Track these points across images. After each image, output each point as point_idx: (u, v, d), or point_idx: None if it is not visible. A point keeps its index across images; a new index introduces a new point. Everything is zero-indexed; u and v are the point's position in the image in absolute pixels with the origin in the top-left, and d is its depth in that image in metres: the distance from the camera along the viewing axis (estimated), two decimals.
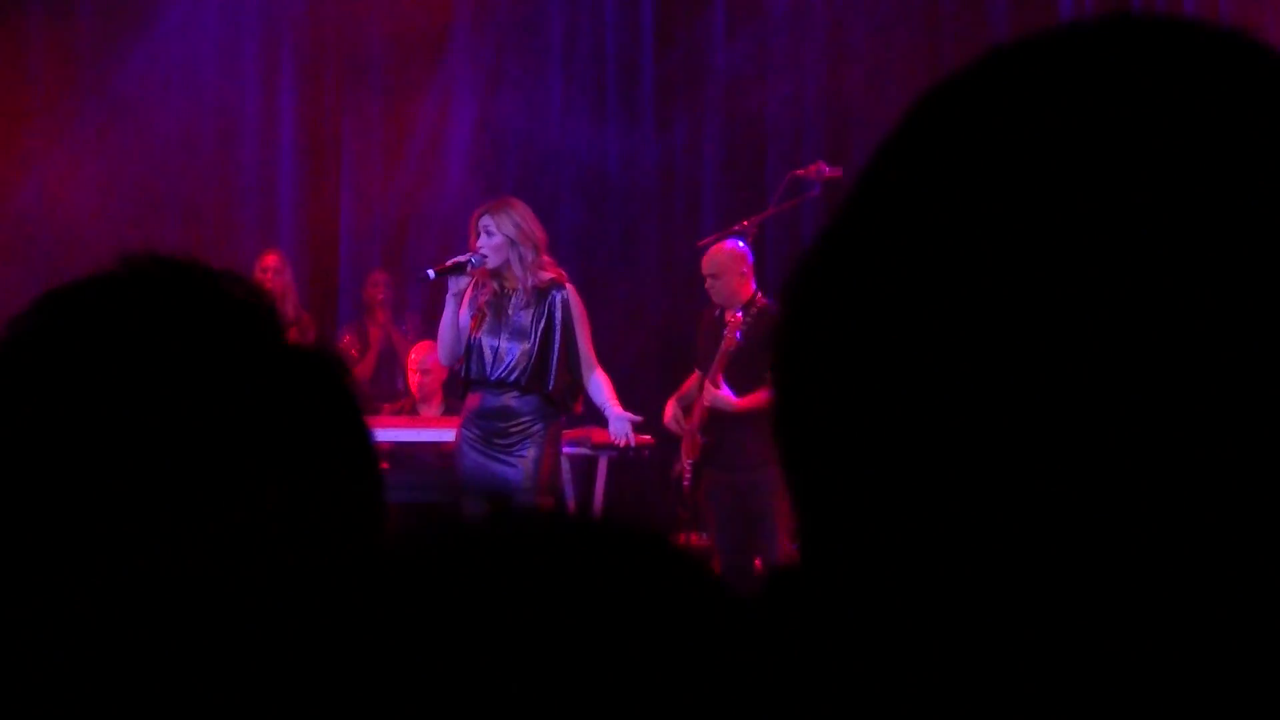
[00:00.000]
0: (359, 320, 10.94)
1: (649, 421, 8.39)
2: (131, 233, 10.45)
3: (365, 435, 1.16)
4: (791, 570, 0.76)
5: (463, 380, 7.73)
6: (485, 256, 7.50)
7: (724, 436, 7.99)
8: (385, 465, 7.18)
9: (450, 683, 0.60)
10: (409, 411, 9.84)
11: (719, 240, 8.39)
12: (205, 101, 11.49)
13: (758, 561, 8.03)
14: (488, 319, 7.58)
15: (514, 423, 7.55)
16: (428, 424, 9.26)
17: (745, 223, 8.70)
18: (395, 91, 11.56)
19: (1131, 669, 0.70)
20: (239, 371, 1.11)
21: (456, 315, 7.63)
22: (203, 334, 1.11)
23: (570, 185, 11.29)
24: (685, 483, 8.29)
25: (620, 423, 7.83)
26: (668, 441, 8.56)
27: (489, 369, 7.57)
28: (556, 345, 7.57)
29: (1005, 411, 0.70)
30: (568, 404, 7.70)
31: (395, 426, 9.10)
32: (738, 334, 7.91)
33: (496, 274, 7.54)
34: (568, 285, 7.63)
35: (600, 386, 7.71)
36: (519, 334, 7.56)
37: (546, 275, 7.57)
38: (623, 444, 7.89)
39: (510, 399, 7.56)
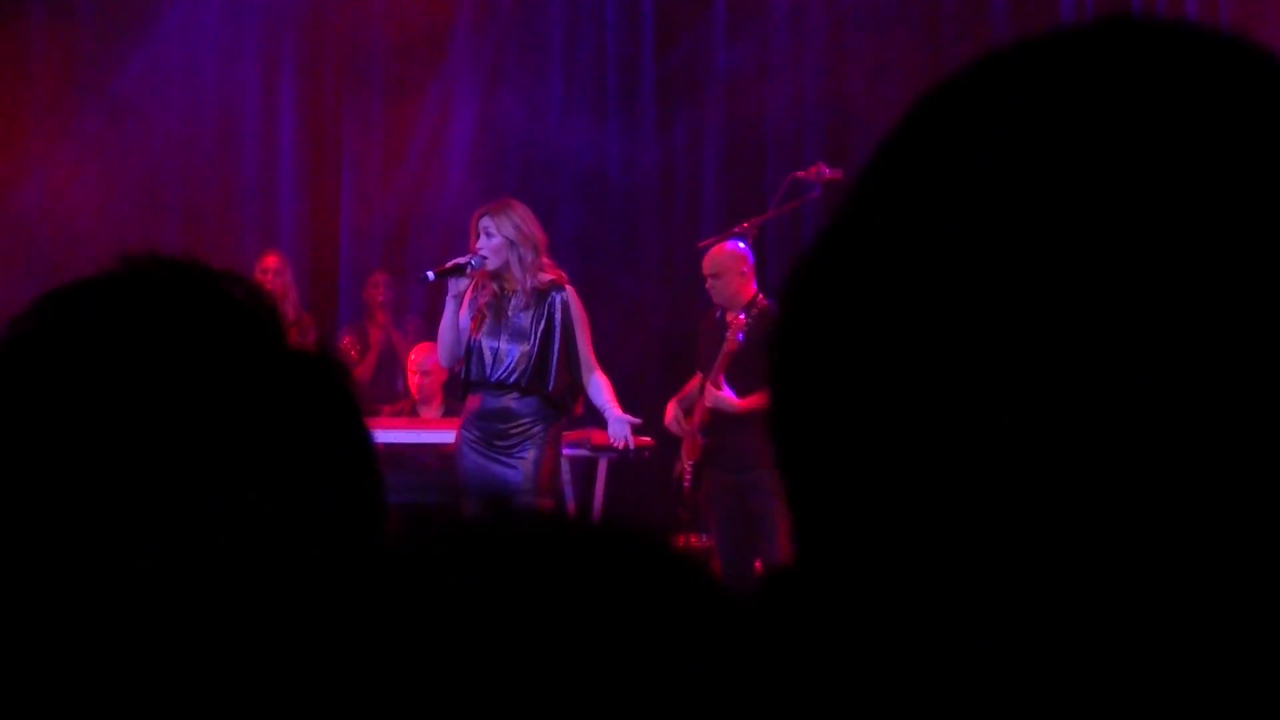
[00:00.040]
0: (359, 321, 10.94)
1: (649, 423, 8.38)
2: (132, 233, 10.45)
3: (365, 437, 1.16)
4: (787, 571, 0.76)
5: (463, 382, 7.73)
6: (485, 258, 7.50)
7: (725, 437, 7.98)
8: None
9: (449, 684, 0.60)
10: (409, 413, 9.84)
11: (719, 241, 8.39)
12: (206, 102, 11.50)
13: (758, 563, 8.03)
14: (487, 320, 7.58)
15: (514, 424, 7.55)
16: (428, 425, 9.26)
17: (745, 224, 8.70)
18: (395, 92, 11.56)
19: (1131, 668, 0.70)
20: (239, 372, 1.11)
21: (456, 317, 7.63)
22: (203, 335, 1.11)
23: (570, 186, 11.29)
24: (686, 484, 8.29)
25: (619, 425, 7.82)
26: (668, 443, 8.56)
27: (489, 370, 7.57)
28: (556, 347, 7.56)
29: (1003, 411, 0.70)
30: (568, 405, 7.70)
31: (395, 428, 9.09)
32: (740, 335, 7.91)
33: (496, 275, 7.54)
34: (567, 286, 7.63)
35: (600, 388, 7.71)
36: (519, 335, 7.56)
37: (546, 277, 7.57)
38: (621, 446, 7.89)
39: (510, 400, 7.56)
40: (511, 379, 7.55)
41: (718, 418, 8.04)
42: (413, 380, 9.90)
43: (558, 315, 7.56)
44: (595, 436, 8.47)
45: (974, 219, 0.72)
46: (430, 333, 8.95)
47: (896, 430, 0.72)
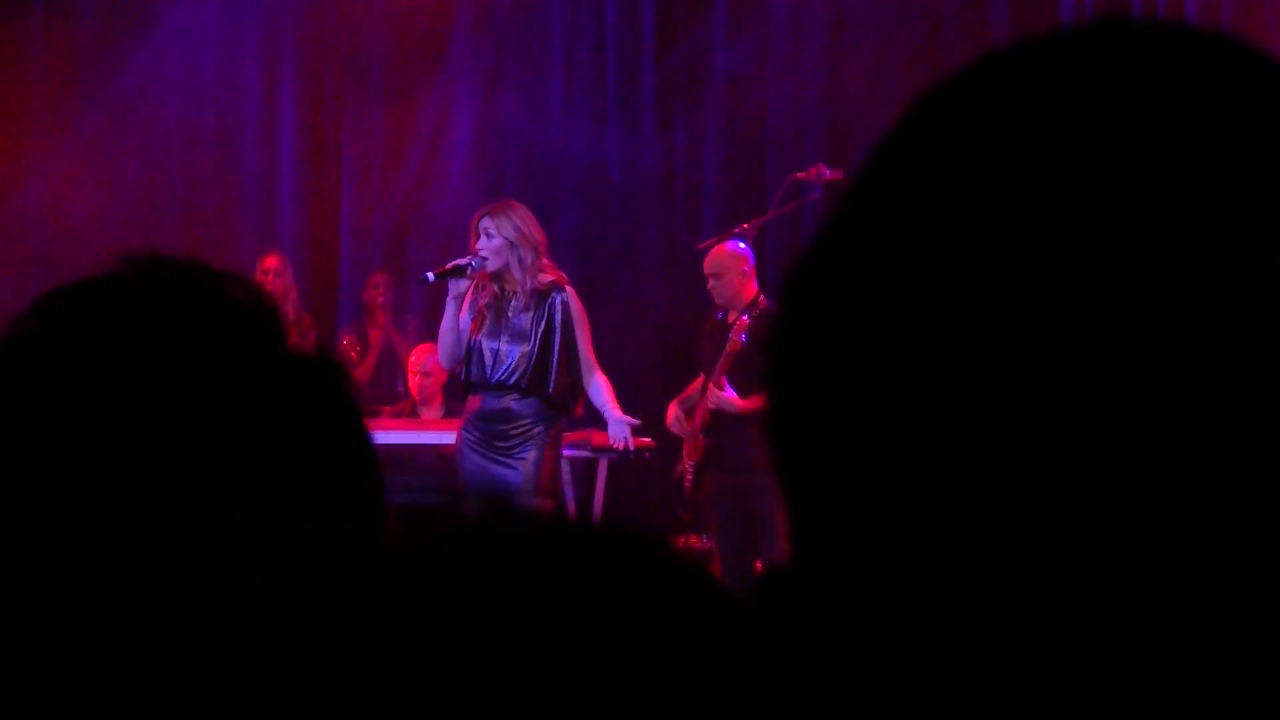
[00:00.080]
0: (359, 322, 10.94)
1: (650, 424, 8.39)
2: (132, 233, 10.45)
3: (365, 438, 1.16)
4: (784, 571, 0.76)
5: (463, 383, 7.73)
6: (485, 259, 7.50)
7: (726, 438, 7.98)
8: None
9: (448, 684, 0.60)
10: (409, 414, 9.84)
11: (719, 242, 8.40)
12: (206, 102, 11.50)
13: (759, 564, 8.03)
14: (488, 321, 7.58)
15: (514, 425, 7.55)
16: (428, 426, 9.26)
17: (745, 225, 8.71)
18: (396, 93, 11.56)
19: (1129, 668, 0.70)
20: (239, 373, 1.11)
21: (457, 318, 7.63)
22: (203, 335, 1.11)
23: (571, 187, 11.29)
24: (687, 485, 8.29)
25: (619, 426, 7.83)
26: (669, 444, 8.56)
27: (489, 371, 7.57)
28: (556, 348, 7.57)
29: (1000, 412, 0.70)
30: (568, 406, 7.70)
31: (396, 429, 9.09)
32: (743, 336, 7.91)
33: (496, 277, 7.54)
34: (568, 287, 7.63)
35: (600, 389, 7.71)
36: (519, 336, 7.56)
37: (546, 278, 7.58)
38: (621, 447, 7.89)
39: (511, 401, 7.56)
40: (512, 380, 7.56)
41: (719, 418, 8.04)
42: (413, 381, 9.90)
43: (558, 316, 7.56)
44: (595, 437, 8.47)
45: (972, 219, 0.72)
46: (430, 334, 8.95)
47: (893, 430, 0.72)
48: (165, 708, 0.64)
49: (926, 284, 0.72)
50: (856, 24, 10.99)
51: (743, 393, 7.90)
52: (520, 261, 7.50)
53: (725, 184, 11.30)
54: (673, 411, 8.33)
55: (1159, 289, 0.70)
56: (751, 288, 8.14)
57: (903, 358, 0.72)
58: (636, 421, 7.90)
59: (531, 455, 7.53)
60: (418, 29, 11.39)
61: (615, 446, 7.90)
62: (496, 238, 7.50)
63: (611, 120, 11.47)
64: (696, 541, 8.73)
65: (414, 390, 9.89)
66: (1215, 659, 0.70)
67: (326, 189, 11.72)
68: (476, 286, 7.61)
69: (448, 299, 7.66)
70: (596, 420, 8.12)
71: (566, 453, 8.17)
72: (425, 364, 9.69)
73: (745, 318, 7.97)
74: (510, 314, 7.56)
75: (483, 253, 7.51)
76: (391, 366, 10.65)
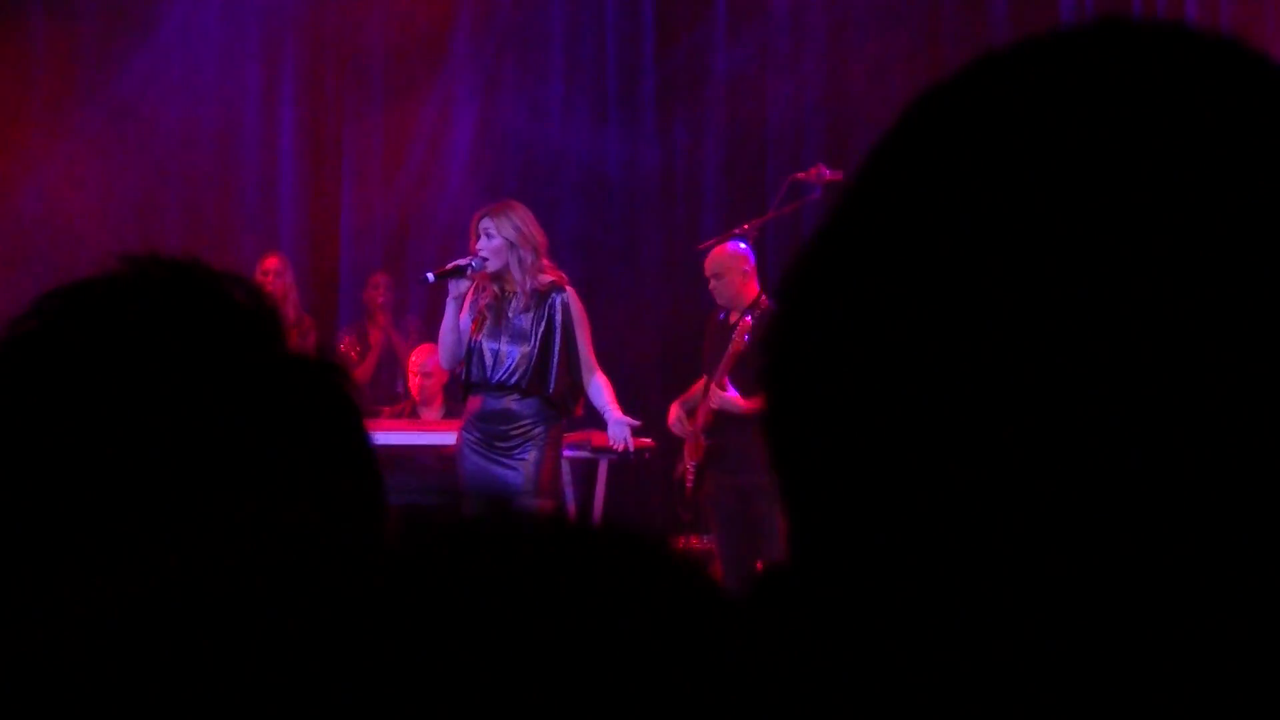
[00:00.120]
0: (359, 322, 10.94)
1: (651, 424, 8.39)
2: (132, 234, 10.45)
3: (365, 439, 1.16)
4: (781, 571, 0.77)
5: (463, 384, 7.74)
6: (485, 259, 7.50)
7: (728, 439, 7.98)
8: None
9: (447, 685, 0.60)
10: (410, 414, 9.84)
11: (719, 243, 8.40)
12: (206, 103, 11.50)
13: (760, 564, 8.03)
14: (488, 322, 7.58)
15: (515, 426, 7.55)
16: (428, 427, 9.26)
17: (746, 226, 8.71)
18: (396, 94, 11.56)
19: (1128, 668, 0.70)
20: (239, 374, 1.11)
21: (457, 318, 7.63)
22: (203, 336, 1.12)
23: (571, 188, 11.29)
24: (688, 485, 8.29)
25: (619, 427, 7.83)
26: (669, 444, 8.56)
27: (489, 372, 7.57)
28: (557, 348, 7.57)
29: (998, 411, 0.70)
30: (569, 407, 7.70)
31: (396, 429, 9.09)
32: (746, 336, 7.92)
33: (497, 277, 7.55)
34: (568, 288, 7.63)
35: (600, 389, 7.71)
36: (519, 337, 7.56)
37: (546, 278, 7.58)
38: (621, 448, 7.89)
39: (511, 402, 7.57)
40: (512, 380, 7.56)
41: (721, 419, 8.04)
42: (414, 382, 9.90)
43: (558, 316, 7.57)
44: (596, 438, 8.47)
45: (970, 219, 0.72)
46: (431, 334, 8.95)
47: (891, 429, 0.72)
48: (165, 708, 0.64)
49: (925, 283, 0.72)
50: (857, 24, 11.00)
51: (745, 393, 7.89)
52: (520, 262, 7.50)
53: (725, 184, 11.30)
54: (674, 412, 8.33)
55: (1157, 289, 0.70)
56: (753, 288, 8.15)
57: (901, 357, 0.72)
58: (636, 422, 7.90)
59: (532, 456, 7.53)
60: (418, 29, 11.39)
61: (615, 448, 7.90)
62: (496, 238, 7.50)
63: (611, 120, 11.47)
64: (697, 542, 8.73)
65: (414, 391, 9.89)
66: (1215, 659, 0.70)
67: (326, 189, 11.72)
68: (477, 287, 7.61)
69: (448, 299, 7.66)
70: (597, 421, 8.12)
71: (567, 453, 8.17)
72: (426, 364, 9.69)
73: (748, 318, 7.97)
74: (510, 314, 7.56)
75: (483, 253, 7.51)
76: (391, 367, 10.65)
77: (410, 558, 0.65)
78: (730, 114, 11.28)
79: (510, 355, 7.55)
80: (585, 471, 8.96)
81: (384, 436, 8.62)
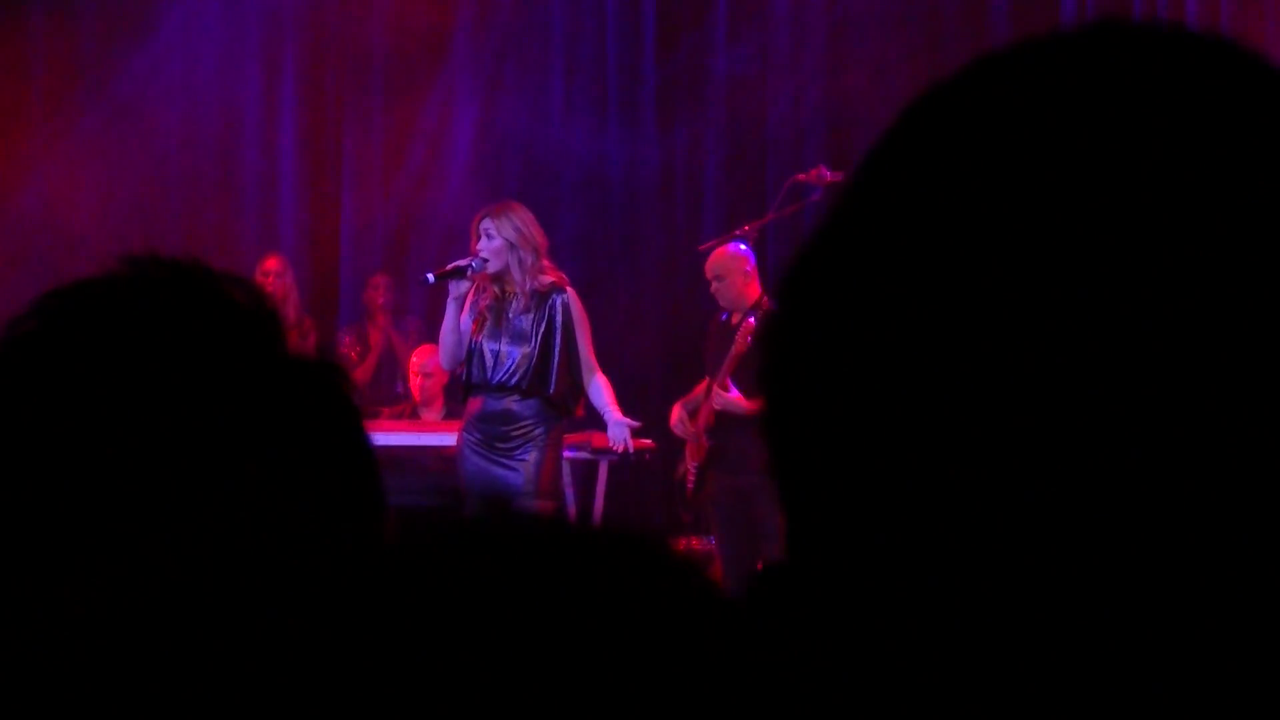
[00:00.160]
0: (359, 323, 10.94)
1: (652, 425, 8.38)
2: (132, 234, 10.45)
3: (364, 441, 1.16)
4: (778, 571, 0.77)
5: (464, 384, 7.74)
6: (485, 260, 7.50)
7: (729, 440, 7.98)
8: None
9: (446, 686, 0.61)
10: (410, 415, 9.83)
11: (719, 245, 8.40)
12: (207, 104, 11.50)
13: (760, 565, 8.03)
14: (488, 323, 7.58)
15: (515, 426, 7.55)
16: (429, 428, 9.25)
17: (746, 227, 8.71)
18: (397, 95, 11.56)
19: (1126, 668, 0.70)
20: (238, 375, 1.11)
21: (457, 319, 7.63)
22: (203, 337, 1.12)
23: (572, 189, 11.29)
24: (689, 486, 8.29)
25: (618, 428, 7.82)
26: (670, 445, 8.56)
27: (490, 373, 7.57)
28: (557, 349, 7.57)
29: (996, 412, 0.70)
30: (569, 407, 7.70)
31: (396, 430, 9.09)
32: (749, 338, 7.91)
33: (497, 278, 7.55)
34: (568, 289, 7.63)
35: (600, 390, 7.71)
36: (519, 338, 7.56)
37: (547, 279, 7.58)
38: (620, 450, 7.88)
39: (511, 403, 7.56)
40: (512, 381, 7.56)
41: (723, 420, 8.04)
42: (415, 382, 9.89)
43: (558, 317, 7.57)
44: (596, 439, 8.47)
45: (967, 220, 0.72)
46: (431, 335, 8.95)
47: (889, 430, 0.72)
48: (165, 707, 0.64)
49: (923, 284, 0.72)
50: (857, 25, 10.99)
51: (748, 394, 7.89)
52: (520, 263, 7.50)
53: (726, 185, 11.30)
54: (677, 413, 8.33)
55: (1155, 290, 0.70)
56: (755, 289, 8.15)
57: (899, 357, 0.72)
58: (636, 424, 7.89)
59: (532, 457, 7.53)
60: (419, 30, 11.38)
61: (615, 449, 7.90)
62: (497, 239, 7.50)
63: (612, 121, 11.47)
64: (697, 543, 8.73)
65: (415, 391, 9.89)
66: (1214, 659, 0.70)
67: (327, 190, 11.72)
68: (477, 288, 7.61)
69: (448, 300, 7.66)
70: (597, 422, 8.11)
71: (567, 454, 8.17)
72: (426, 365, 9.68)
73: (751, 320, 7.97)
74: (511, 315, 7.56)
75: (483, 254, 7.51)
76: (391, 368, 10.65)
77: (410, 559, 0.65)
78: (731, 115, 11.28)
79: (510, 356, 7.55)
80: (586, 472, 8.96)
81: (384, 437, 8.62)
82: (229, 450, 1.08)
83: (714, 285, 8.20)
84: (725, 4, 11.38)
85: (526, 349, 7.54)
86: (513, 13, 11.48)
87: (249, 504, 1.05)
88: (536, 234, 7.55)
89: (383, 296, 10.78)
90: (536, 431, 7.55)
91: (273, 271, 10.02)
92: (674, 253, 10.97)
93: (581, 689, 0.60)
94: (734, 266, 8.14)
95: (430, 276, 7.75)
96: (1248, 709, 0.70)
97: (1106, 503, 0.69)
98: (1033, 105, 0.74)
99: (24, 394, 1.09)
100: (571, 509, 8.30)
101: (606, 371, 7.80)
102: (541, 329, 7.55)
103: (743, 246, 8.28)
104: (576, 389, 7.68)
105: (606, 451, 8.18)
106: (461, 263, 7.60)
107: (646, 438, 8.30)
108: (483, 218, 7.58)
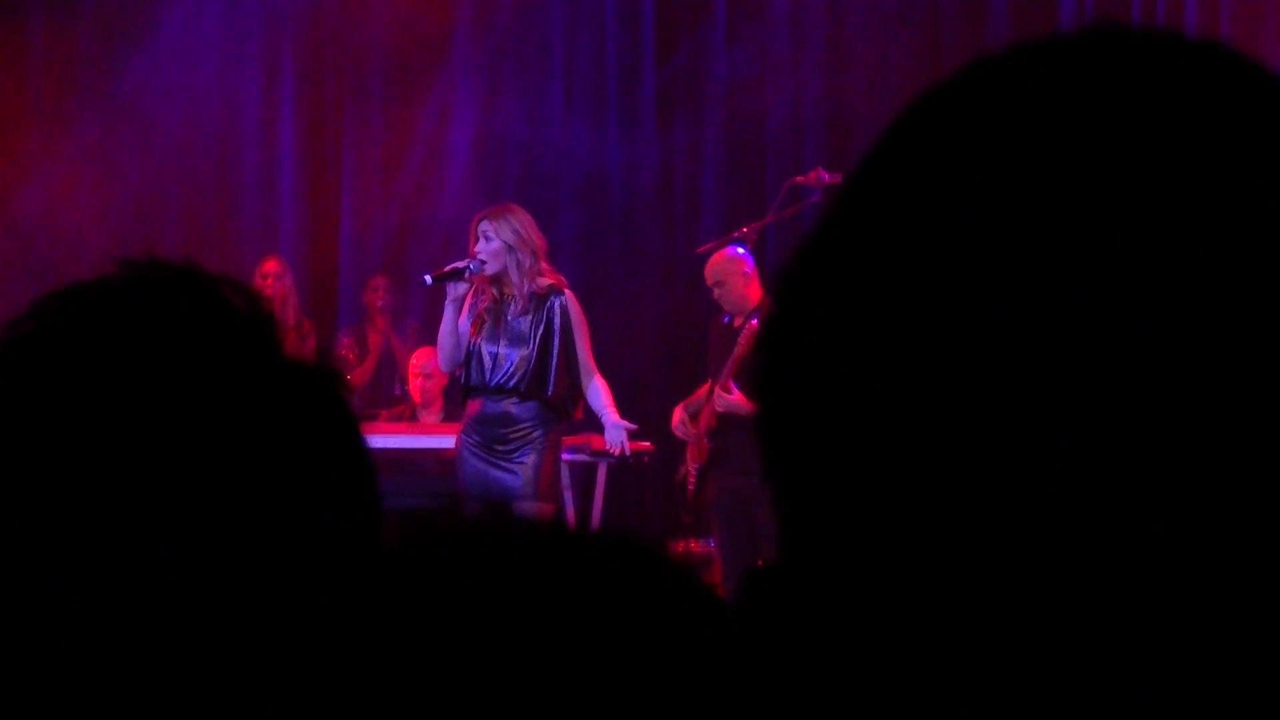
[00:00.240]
0: (358, 325, 10.93)
1: (651, 427, 8.38)
2: (131, 237, 10.46)
3: (361, 445, 1.16)
4: (773, 573, 0.77)
5: (463, 387, 7.73)
6: (484, 262, 7.50)
7: (730, 442, 7.98)
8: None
9: (445, 687, 0.61)
10: (409, 417, 9.83)
11: (718, 247, 8.40)
12: (206, 106, 11.50)
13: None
14: (487, 325, 7.58)
15: (514, 429, 7.55)
16: (428, 430, 9.25)
17: (745, 229, 8.71)
18: (396, 97, 11.56)
19: (1125, 669, 0.70)
20: (235, 379, 1.11)
21: (456, 321, 7.63)
22: (199, 340, 1.12)
23: (570, 191, 11.29)
24: (689, 488, 8.29)
25: (616, 431, 7.81)
26: (670, 447, 8.55)
27: (488, 375, 7.57)
28: (555, 351, 7.56)
29: (994, 413, 0.70)
30: (568, 410, 7.69)
31: (395, 433, 9.09)
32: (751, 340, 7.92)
33: (495, 280, 7.54)
34: (566, 291, 7.63)
35: (599, 393, 7.71)
36: (518, 340, 7.56)
37: (545, 281, 7.57)
38: (617, 452, 7.87)
39: (510, 405, 7.56)
40: (511, 383, 7.55)
41: (724, 422, 8.04)
42: (414, 384, 9.89)
43: (557, 320, 7.56)
44: (595, 441, 8.46)
45: (964, 222, 0.72)
46: (430, 337, 8.95)
47: (885, 431, 0.72)
48: (164, 708, 0.64)
49: (920, 285, 0.72)
50: (856, 27, 11.00)
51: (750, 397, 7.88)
52: (519, 265, 7.50)
53: (725, 188, 11.30)
54: (678, 415, 8.33)
55: (1152, 292, 0.70)
56: (756, 291, 8.15)
57: (895, 359, 0.72)
58: (633, 426, 7.89)
59: (531, 459, 7.53)
60: (418, 33, 11.39)
61: (612, 452, 7.89)
62: (495, 241, 7.50)
63: (611, 124, 11.47)
64: (697, 546, 8.73)
65: (414, 393, 9.88)
66: (1214, 659, 0.70)
67: (326, 192, 11.72)
68: (475, 290, 7.61)
69: (446, 302, 7.66)
70: (596, 424, 8.11)
71: (566, 457, 8.16)
72: (426, 366, 9.68)
73: (754, 322, 7.97)
74: (509, 317, 7.56)
75: (481, 256, 7.51)
76: (390, 370, 10.65)
77: (408, 562, 0.65)
78: (729, 117, 11.28)
79: (509, 358, 7.55)
80: (584, 475, 8.96)
81: (383, 440, 8.62)
82: (224, 454, 1.08)
83: (715, 291, 8.20)
84: (724, 6, 11.38)
85: (525, 351, 7.54)
86: (512, 14, 11.49)
87: (244, 508, 1.05)
88: (535, 236, 7.55)
89: (382, 298, 10.78)
90: (535, 434, 7.54)
91: (272, 273, 10.02)
92: (673, 255, 10.97)
93: (577, 691, 0.60)
94: (732, 270, 8.14)
95: (428, 278, 7.74)
96: (1248, 709, 0.70)
97: (1105, 504, 0.69)
98: (1029, 108, 0.74)
99: (21, 396, 1.09)
100: (570, 512, 8.30)
101: (605, 373, 7.80)
102: (540, 331, 7.55)
103: (739, 250, 8.28)
104: (575, 391, 7.68)
105: (605, 454, 8.17)
106: (460, 265, 7.59)
107: (645, 440, 8.29)
108: (481, 220, 7.58)
